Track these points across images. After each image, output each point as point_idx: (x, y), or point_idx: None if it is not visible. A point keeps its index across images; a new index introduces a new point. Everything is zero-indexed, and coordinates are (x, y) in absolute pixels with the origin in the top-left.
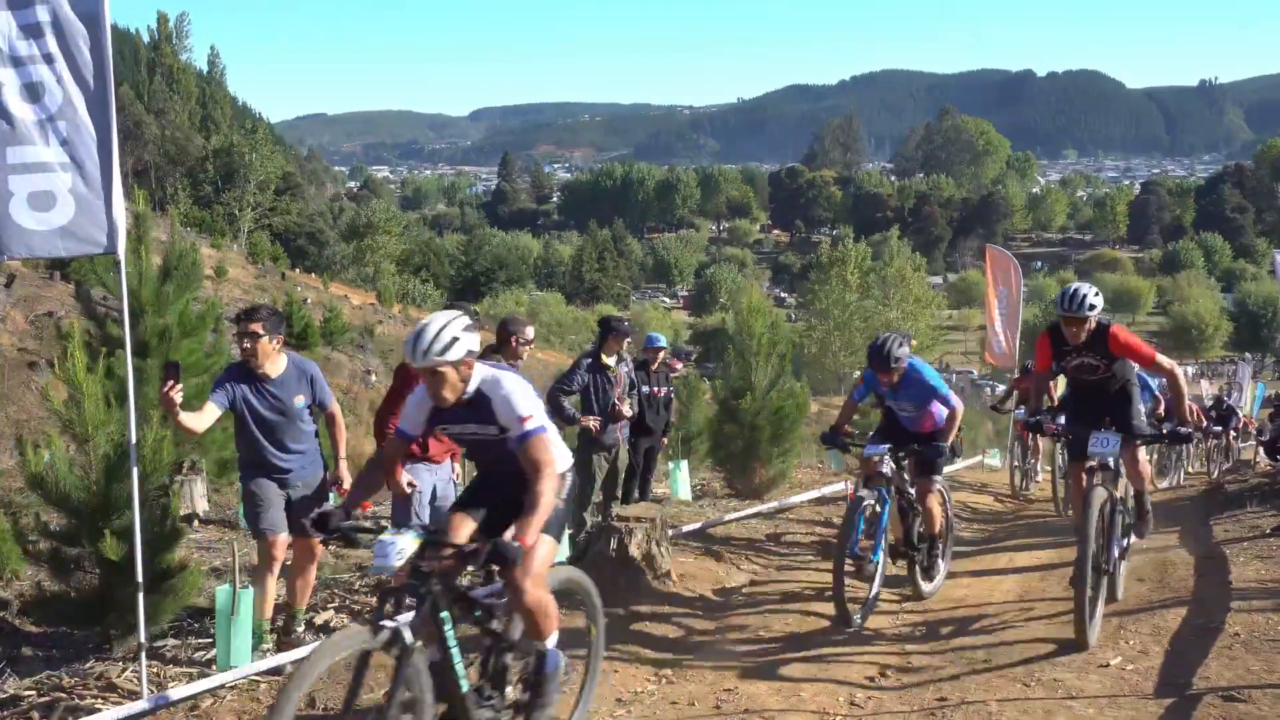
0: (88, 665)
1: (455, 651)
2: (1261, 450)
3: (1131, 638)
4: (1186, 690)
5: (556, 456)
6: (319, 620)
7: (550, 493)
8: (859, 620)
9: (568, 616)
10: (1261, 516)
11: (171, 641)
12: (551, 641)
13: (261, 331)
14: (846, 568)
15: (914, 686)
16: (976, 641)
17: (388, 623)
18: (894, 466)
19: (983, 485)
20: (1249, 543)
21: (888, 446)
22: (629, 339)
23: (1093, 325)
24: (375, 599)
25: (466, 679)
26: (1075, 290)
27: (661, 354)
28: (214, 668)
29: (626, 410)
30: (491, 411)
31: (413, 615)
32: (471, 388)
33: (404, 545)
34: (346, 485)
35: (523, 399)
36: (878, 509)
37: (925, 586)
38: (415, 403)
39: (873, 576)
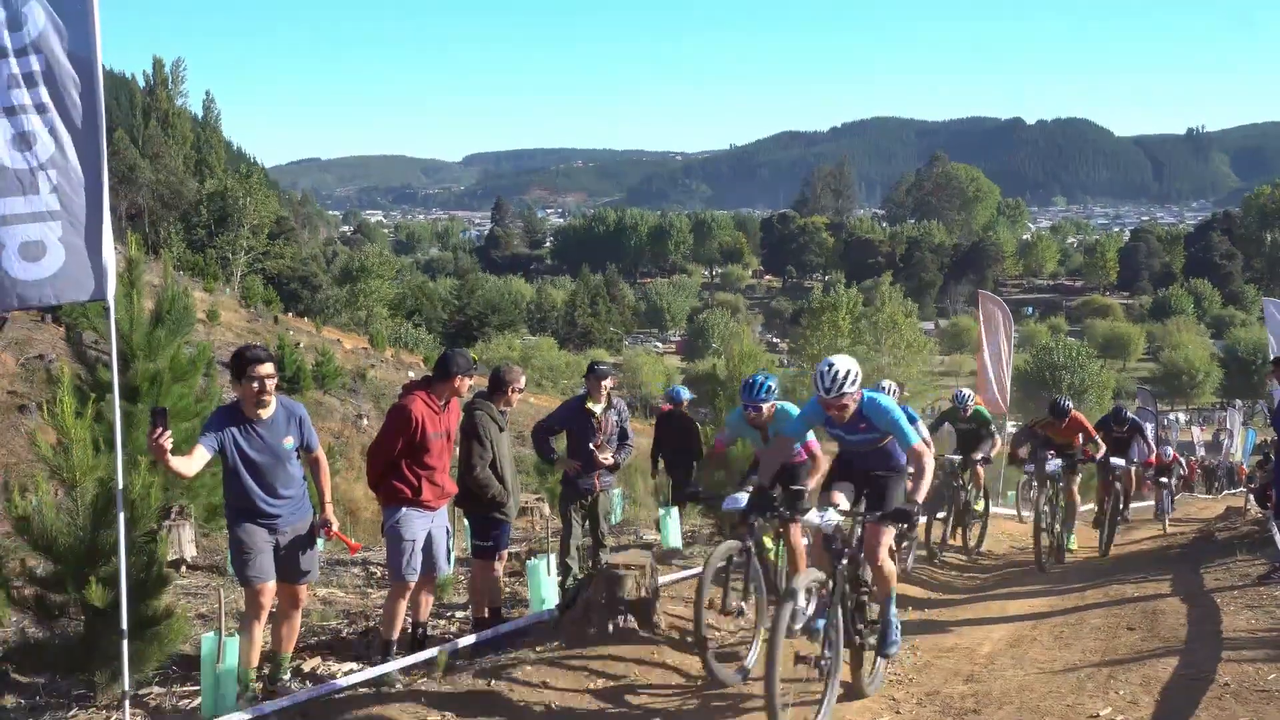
0: (71, 714)
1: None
2: (1252, 497)
3: (1122, 688)
4: None
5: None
6: (306, 668)
7: (930, 470)
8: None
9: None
10: (1252, 564)
11: (156, 689)
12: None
13: (275, 373)
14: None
15: None
16: (966, 691)
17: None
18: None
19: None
20: (1239, 591)
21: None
22: (606, 381)
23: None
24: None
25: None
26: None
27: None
28: (199, 716)
29: (606, 458)
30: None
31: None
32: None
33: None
34: (335, 528)
35: None
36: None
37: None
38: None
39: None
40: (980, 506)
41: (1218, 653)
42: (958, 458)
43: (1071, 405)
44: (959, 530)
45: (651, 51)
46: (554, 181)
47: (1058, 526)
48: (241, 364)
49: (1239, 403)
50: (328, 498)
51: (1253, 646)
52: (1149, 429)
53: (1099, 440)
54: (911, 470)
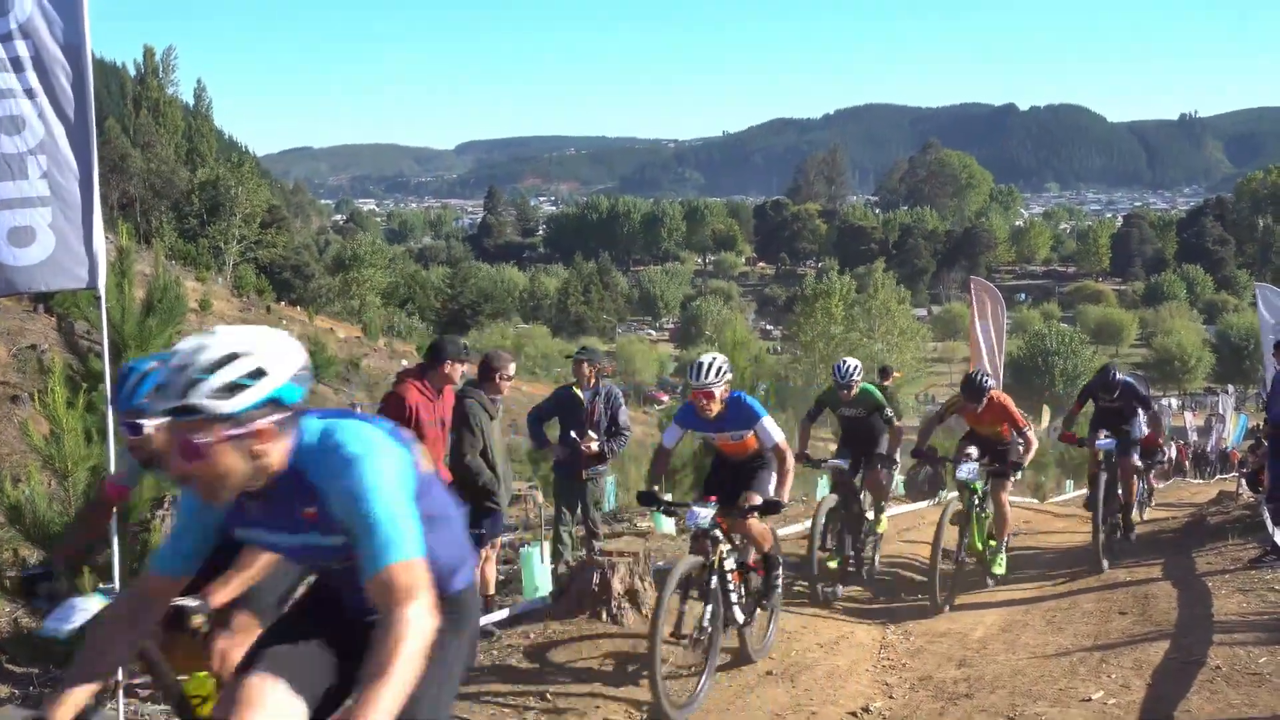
0: None
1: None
2: (1244, 482)
3: (1113, 671)
4: None
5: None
6: None
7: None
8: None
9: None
10: (1243, 548)
11: (150, 678)
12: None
13: None
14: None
15: None
16: (959, 675)
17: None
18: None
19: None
20: (1230, 575)
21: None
22: (585, 364)
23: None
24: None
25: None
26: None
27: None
28: None
29: (592, 446)
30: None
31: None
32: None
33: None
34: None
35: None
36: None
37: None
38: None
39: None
40: (872, 517)
41: (1209, 636)
42: (845, 463)
43: (992, 383)
44: (849, 548)
45: (644, 38)
46: (547, 169)
47: (964, 555)
48: None
49: (1231, 388)
50: None
51: (1244, 630)
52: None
53: (1028, 435)
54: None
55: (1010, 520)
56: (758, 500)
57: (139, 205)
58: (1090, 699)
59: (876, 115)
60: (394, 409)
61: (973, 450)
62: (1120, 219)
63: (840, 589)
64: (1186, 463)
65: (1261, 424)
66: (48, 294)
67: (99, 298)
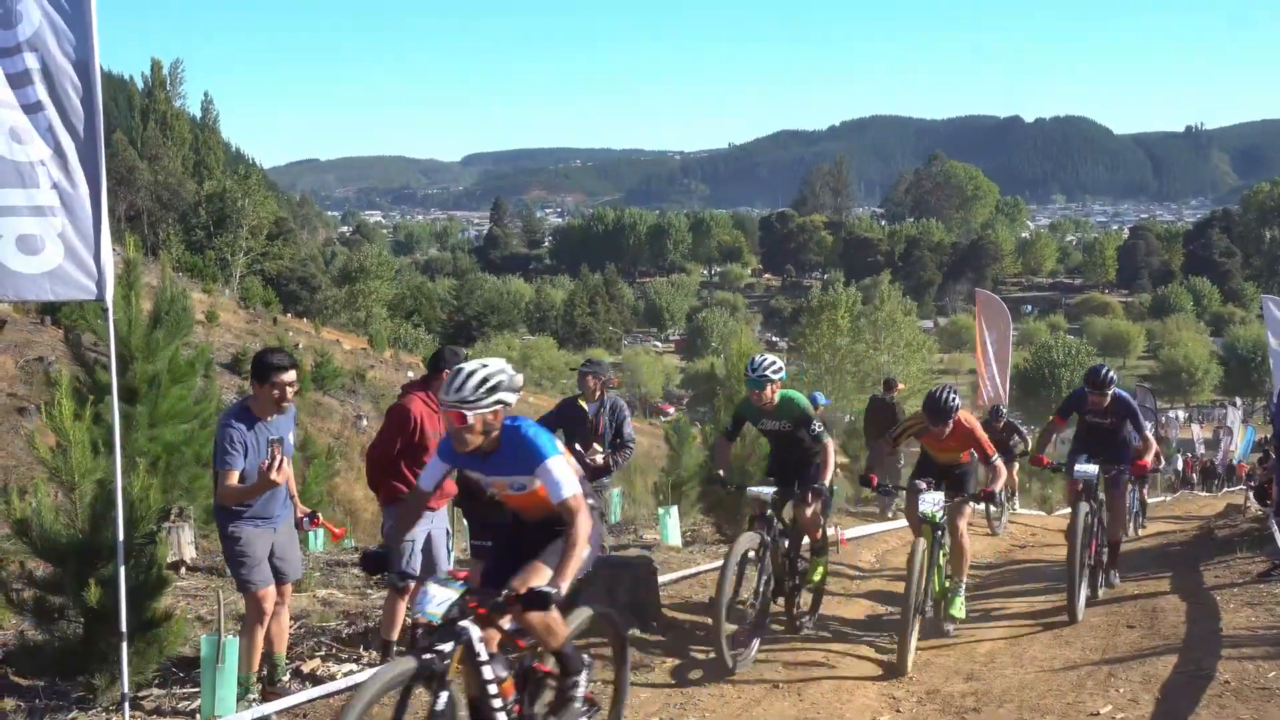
0: (71, 716)
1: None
2: (1251, 495)
3: (1122, 685)
4: None
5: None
6: (305, 669)
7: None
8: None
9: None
10: (1252, 562)
11: (156, 691)
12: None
13: (295, 380)
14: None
15: None
16: (966, 689)
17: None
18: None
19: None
20: (1239, 588)
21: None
22: (591, 377)
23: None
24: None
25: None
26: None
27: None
28: (199, 718)
29: (596, 459)
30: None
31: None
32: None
33: (444, 596)
34: (322, 518)
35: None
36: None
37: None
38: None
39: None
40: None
41: (1218, 650)
42: (768, 490)
43: (958, 403)
44: (781, 595)
45: (649, 51)
46: (552, 181)
47: (928, 603)
48: (266, 369)
49: (1238, 400)
50: (294, 490)
51: (1253, 644)
52: (1147, 420)
53: (996, 464)
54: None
55: (968, 553)
56: (520, 591)
57: (146, 217)
58: (1098, 713)
59: (882, 127)
60: (398, 421)
61: (929, 482)
62: (1127, 231)
63: (755, 647)
64: (1194, 475)
65: (1269, 436)
66: (55, 306)
67: (106, 309)
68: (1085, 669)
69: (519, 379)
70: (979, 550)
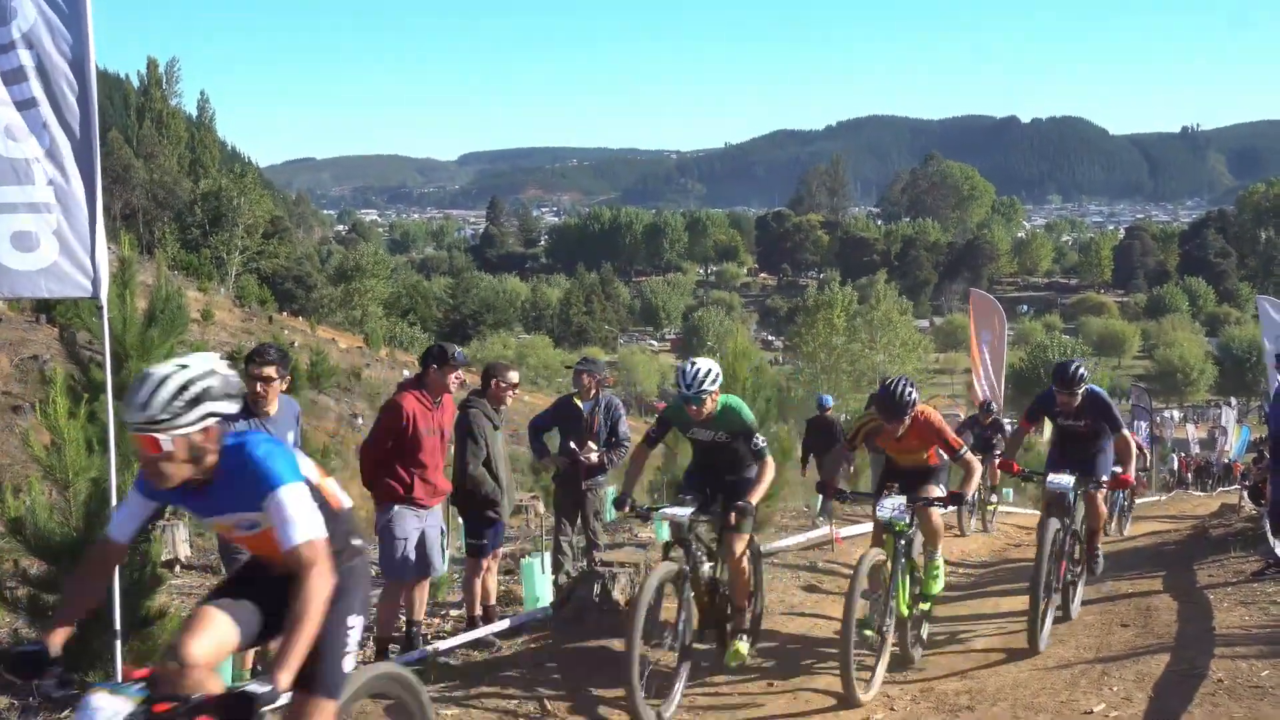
0: (64, 714)
1: None
2: (1245, 494)
3: (1115, 684)
4: None
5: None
6: None
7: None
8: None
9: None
10: (1246, 561)
11: None
12: None
13: (275, 375)
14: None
15: None
16: (960, 687)
17: None
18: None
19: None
20: (1233, 587)
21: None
22: (586, 376)
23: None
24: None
25: None
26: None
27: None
28: None
29: (591, 457)
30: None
31: None
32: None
33: (113, 708)
34: None
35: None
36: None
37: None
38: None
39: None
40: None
41: (1211, 649)
42: (684, 511)
43: (915, 397)
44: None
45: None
46: (549, 180)
47: (888, 622)
48: (246, 362)
49: (1233, 400)
50: None
51: (1246, 643)
52: (1142, 421)
53: (966, 458)
54: None
55: (942, 572)
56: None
57: (142, 216)
58: (1092, 711)
59: (878, 127)
60: (391, 418)
61: (894, 488)
62: (1122, 231)
63: (679, 692)
64: (1189, 475)
65: (1263, 436)
66: (50, 304)
67: (101, 308)
68: (1079, 667)
69: (235, 380)
70: (973, 549)
